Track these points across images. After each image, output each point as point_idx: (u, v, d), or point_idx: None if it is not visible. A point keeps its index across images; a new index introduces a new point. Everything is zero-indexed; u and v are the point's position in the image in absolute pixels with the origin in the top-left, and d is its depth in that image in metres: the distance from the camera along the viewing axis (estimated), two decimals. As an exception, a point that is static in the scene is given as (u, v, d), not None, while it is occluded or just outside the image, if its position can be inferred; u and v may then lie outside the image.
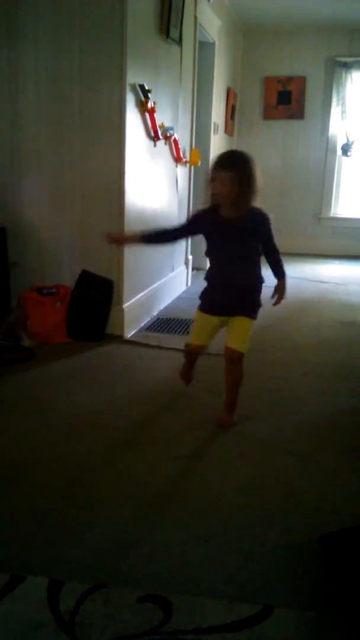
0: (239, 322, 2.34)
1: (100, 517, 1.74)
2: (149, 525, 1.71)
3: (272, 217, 2.27)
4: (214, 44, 5.31)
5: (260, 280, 2.34)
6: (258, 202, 2.23)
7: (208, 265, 2.48)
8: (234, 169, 2.16)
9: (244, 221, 2.23)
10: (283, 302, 2.39)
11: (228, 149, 6.38)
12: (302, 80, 6.75)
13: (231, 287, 2.34)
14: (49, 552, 1.58)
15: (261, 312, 2.41)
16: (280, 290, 2.36)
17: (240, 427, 2.39)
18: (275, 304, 2.37)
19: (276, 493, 1.90)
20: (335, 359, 3.27)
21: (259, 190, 2.20)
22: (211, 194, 2.23)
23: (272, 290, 2.36)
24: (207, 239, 2.37)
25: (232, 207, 2.21)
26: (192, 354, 2.55)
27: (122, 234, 2.59)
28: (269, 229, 2.28)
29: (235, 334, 2.35)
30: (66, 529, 1.68)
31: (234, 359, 2.35)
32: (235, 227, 2.25)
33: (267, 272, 2.36)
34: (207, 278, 2.44)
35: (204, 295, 2.45)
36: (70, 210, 3.38)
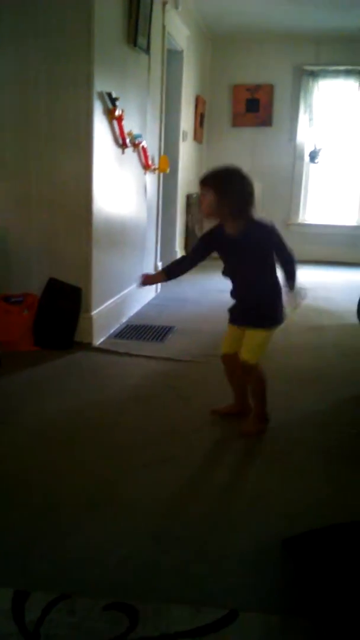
0: (248, 334, 2.35)
1: (66, 526, 1.73)
2: (115, 533, 1.70)
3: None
4: (182, 52, 5.35)
5: (273, 291, 2.32)
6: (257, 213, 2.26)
7: None
8: (212, 185, 2.20)
9: (243, 235, 2.24)
10: (300, 307, 2.39)
11: (197, 156, 6.45)
12: (270, 88, 6.84)
13: (241, 300, 2.40)
14: (14, 562, 1.56)
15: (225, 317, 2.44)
16: (290, 298, 2.35)
17: (208, 432, 2.40)
18: (292, 308, 2.38)
19: (243, 496, 1.92)
20: (304, 364, 3.31)
21: (248, 203, 2.22)
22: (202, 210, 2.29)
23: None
24: (219, 257, 2.40)
25: (228, 222, 2.24)
26: (225, 363, 2.52)
27: (150, 276, 2.59)
28: (276, 239, 2.28)
29: (245, 344, 2.36)
30: (31, 539, 1.67)
31: (244, 369, 2.38)
32: (235, 242, 2.26)
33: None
34: (231, 294, 2.47)
35: (231, 307, 2.48)
36: (37, 218, 3.37)
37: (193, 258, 2.47)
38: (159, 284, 4.97)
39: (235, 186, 2.20)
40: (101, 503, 1.87)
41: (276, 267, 2.33)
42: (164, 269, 2.55)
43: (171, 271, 2.50)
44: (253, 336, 2.34)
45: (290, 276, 2.34)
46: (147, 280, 2.57)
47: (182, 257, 2.59)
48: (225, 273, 2.41)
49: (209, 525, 1.76)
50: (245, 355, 2.34)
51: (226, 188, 2.18)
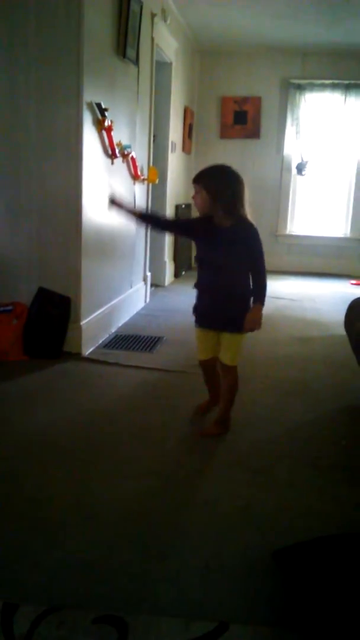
0: (227, 338, 2.40)
1: (56, 538, 1.72)
2: (104, 545, 1.69)
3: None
4: (171, 64, 5.39)
5: (248, 292, 2.35)
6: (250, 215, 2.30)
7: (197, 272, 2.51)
8: (204, 183, 2.27)
9: (232, 230, 2.29)
10: (255, 330, 2.35)
11: (186, 167, 6.48)
12: (257, 100, 6.90)
13: (213, 297, 2.39)
14: (3, 574, 1.55)
15: None
16: (251, 315, 2.32)
17: (198, 442, 2.40)
18: (245, 330, 2.35)
19: (232, 508, 1.91)
20: (291, 375, 3.32)
21: (239, 200, 2.27)
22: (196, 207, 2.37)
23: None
24: (197, 243, 2.44)
25: (220, 217, 2.29)
26: (203, 368, 2.57)
27: (123, 201, 2.56)
28: (253, 242, 2.30)
29: (226, 349, 2.42)
30: (21, 551, 1.65)
31: (225, 370, 2.46)
32: (224, 234, 2.30)
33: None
34: (196, 285, 2.47)
35: (196, 307, 2.48)
36: (26, 228, 3.36)
37: (169, 225, 2.55)
38: (149, 289, 4.98)
39: (227, 184, 2.27)
40: (90, 514, 1.86)
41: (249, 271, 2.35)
42: (141, 211, 2.53)
43: (146, 214, 2.52)
44: (233, 340, 2.40)
45: (260, 289, 2.34)
46: (119, 203, 2.52)
47: (160, 217, 2.63)
48: (202, 262, 2.42)
49: (198, 537, 1.76)
50: (229, 360, 2.41)
51: (218, 186, 2.26)
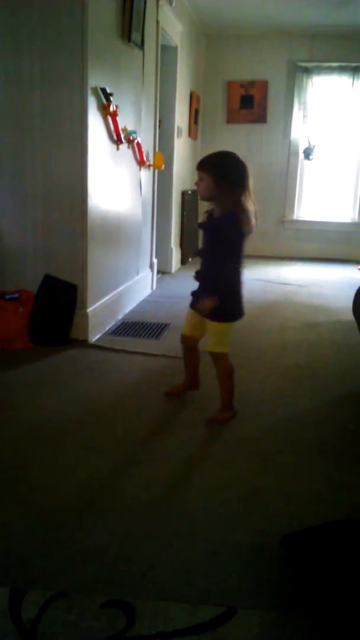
0: (209, 325, 2.44)
1: (63, 524, 1.73)
2: (112, 531, 1.70)
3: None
4: (176, 48, 5.33)
5: (217, 281, 2.35)
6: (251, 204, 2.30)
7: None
8: (209, 170, 2.27)
9: (219, 221, 2.31)
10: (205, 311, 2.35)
11: (192, 152, 6.44)
12: (264, 84, 6.83)
13: (203, 285, 2.43)
14: (11, 561, 1.56)
15: None
16: (200, 303, 2.36)
17: (205, 429, 2.40)
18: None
19: (239, 494, 1.91)
20: (299, 361, 3.31)
21: (239, 192, 2.26)
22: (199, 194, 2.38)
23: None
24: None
25: (215, 206, 2.33)
26: (182, 342, 2.63)
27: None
28: (220, 230, 2.31)
29: (209, 336, 2.47)
30: (28, 537, 1.66)
31: (212, 358, 2.48)
32: (209, 226, 2.35)
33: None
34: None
35: (194, 290, 2.54)
36: (32, 215, 3.35)
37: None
38: (155, 276, 4.97)
39: (232, 171, 2.28)
40: (97, 500, 1.86)
41: (238, 263, 2.37)
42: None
43: None
44: (212, 328, 2.44)
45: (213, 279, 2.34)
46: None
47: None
48: (199, 251, 2.50)
49: (206, 523, 1.76)
50: (210, 346, 2.45)
51: (224, 173, 2.26)
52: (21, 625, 1.32)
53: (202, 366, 2.70)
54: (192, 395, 2.73)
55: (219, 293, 2.31)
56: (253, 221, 2.31)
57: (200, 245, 2.51)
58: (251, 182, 2.30)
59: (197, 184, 2.35)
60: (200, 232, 2.51)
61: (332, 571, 1.48)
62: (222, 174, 2.26)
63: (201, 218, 2.48)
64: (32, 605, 1.37)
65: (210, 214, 2.39)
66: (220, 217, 2.31)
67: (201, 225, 2.42)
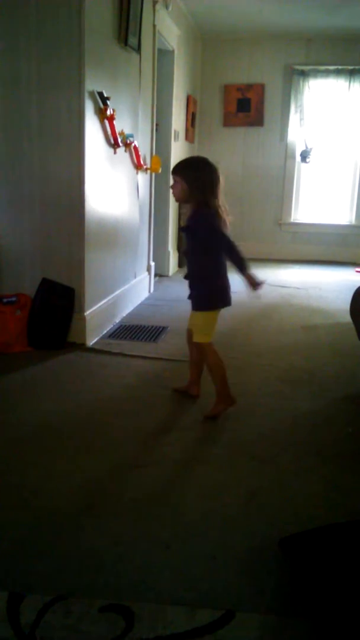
0: (192, 316, 2.62)
1: (61, 528, 1.73)
2: (111, 534, 1.70)
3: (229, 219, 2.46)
4: (173, 51, 5.34)
5: (199, 276, 2.52)
6: (224, 204, 2.45)
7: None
8: (182, 174, 2.44)
9: (188, 221, 2.51)
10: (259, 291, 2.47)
11: (189, 155, 6.44)
12: (261, 87, 6.84)
13: (188, 279, 2.58)
14: (9, 565, 1.55)
15: (222, 316, 2.49)
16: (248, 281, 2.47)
17: (203, 431, 2.40)
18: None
19: (238, 497, 1.91)
20: (297, 363, 3.31)
21: (213, 192, 2.40)
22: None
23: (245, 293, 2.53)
24: None
25: (191, 207, 2.49)
26: (188, 338, 2.73)
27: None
28: (205, 228, 2.43)
29: (193, 327, 2.61)
30: (26, 540, 1.66)
31: (199, 350, 2.62)
32: (184, 226, 2.57)
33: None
34: None
35: None
36: (29, 218, 3.35)
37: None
38: (153, 278, 4.97)
39: (203, 175, 2.42)
40: (96, 503, 1.86)
41: (211, 255, 2.47)
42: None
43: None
44: (193, 318, 2.60)
45: (237, 261, 2.45)
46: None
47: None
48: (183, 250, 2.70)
49: (204, 525, 1.76)
50: (195, 337, 2.58)
51: (196, 176, 2.42)
52: (19, 629, 1.31)
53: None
54: (190, 398, 2.73)
55: (206, 288, 2.52)
56: (225, 218, 2.44)
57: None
58: (221, 186, 2.44)
59: (172, 187, 2.49)
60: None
61: (331, 574, 1.48)
62: (193, 178, 2.41)
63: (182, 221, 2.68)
64: (31, 610, 1.37)
65: (187, 216, 2.55)
66: (191, 217, 2.48)
67: (182, 229, 2.62)
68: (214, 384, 2.56)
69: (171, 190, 2.51)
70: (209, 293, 2.53)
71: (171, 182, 2.47)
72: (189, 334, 2.68)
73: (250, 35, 6.63)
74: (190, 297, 2.58)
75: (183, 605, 1.41)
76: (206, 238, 2.44)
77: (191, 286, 2.56)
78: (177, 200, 2.54)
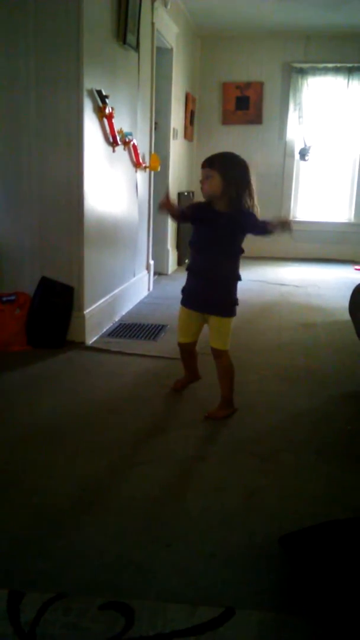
0: (215, 322, 2.46)
1: (61, 526, 1.73)
2: (111, 532, 1.70)
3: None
4: (171, 49, 5.34)
5: (233, 277, 2.44)
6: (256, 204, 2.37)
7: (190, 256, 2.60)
8: (218, 168, 2.32)
9: (233, 216, 2.34)
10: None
11: (188, 154, 6.44)
12: (259, 85, 6.84)
13: (208, 279, 2.44)
14: (9, 563, 1.56)
15: None
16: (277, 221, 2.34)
17: (203, 430, 2.40)
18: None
19: (238, 495, 1.92)
20: (296, 361, 3.31)
21: (248, 190, 2.33)
22: (203, 191, 2.40)
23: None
24: (196, 228, 2.49)
25: (223, 202, 2.35)
26: (182, 349, 2.66)
27: (174, 203, 2.56)
28: (255, 220, 2.35)
29: (214, 333, 2.48)
30: (26, 538, 1.66)
31: (215, 354, 2.50)
32: (223, 220, 2.36)
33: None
34: (188, 268, 2.55)
35: (184, 289, 2.56)
36: (28, 217, 3.35)
37: (185, 214, 2.55)
38: (152, 277, 4.97)
39: (241, 171, 2.34)
40: (95, 501, 1.86)
41: (238, 255, 2.43)
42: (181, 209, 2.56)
43: (182, 214, 2.54)
44: (220, 324, 2.46)
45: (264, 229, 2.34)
46: (170, 205, 2.47)
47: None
48: (196, 245, 2.47)
49: (204, 523, 1.76)
50: (217, 344, 2.47)
51: (234, 172, 2.32)
52: (19, 627, 1.32)
53: (200, 366, 2.71)
54: (189, 394, 2.74)
55: (234, 282, 2.43)
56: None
57: (192, 238, 2.52)
58: (254, 180, 2.36)
59: (202, 181, 2.37)
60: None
61: (331, 571, 1.48)
62: (231, 174, 2.31)
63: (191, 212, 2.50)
64: (31, 607, 1.37)
65: (210, 208, 2.39)
66: (242, 212, 2.34)
67: (215, 219, 2.37)
68: (222, 388, 2.53)
69: (201, 185, 2.37)
70: (236, 295, 2.47)
71: (198, 176, 2.36)
72: (191, 345, 2.62)
73: (248, 33, 6.62)
74: (204, 300, 2.47)
75: (183, 603, 1.41)
76: (257, 223, 2.34)
77: (215, 290, 2.44)
78: (207, 195, 2.37)
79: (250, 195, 2.34)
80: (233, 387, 2.53)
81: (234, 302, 2.46)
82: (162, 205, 2.43)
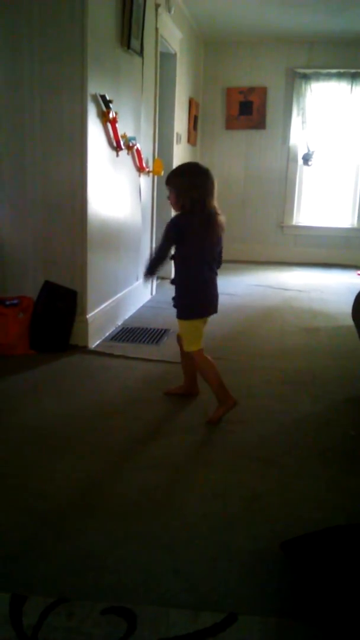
0: (178, 324, 2.59)
1: (63, 530, 1.73)
2: (113, 537, 1.70)
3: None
4: (175, 55, 5.35)
5: (178, 283, 2.55)
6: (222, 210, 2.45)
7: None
8: (171, 181, 2.48)
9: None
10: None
11: (191, 158, 6.45)
12: (263, 90, 6.85)
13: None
14: (11, 566, 1.56)
15: (225, 319, 2.49)
16: None
17: (205, 434, 2.40)
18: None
19: (240, 499, 1.91)
20: (299, 366, 3.31)
21: (191, 198, 2.39)
22: None
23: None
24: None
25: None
26: (178, 343, 2.74)
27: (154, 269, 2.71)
28: (173, 232, 2.47)
29: (181, 335, 2.61)
30: (29, 542, 1.66)
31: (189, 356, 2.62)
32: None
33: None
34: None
35: (200, 298, 2.65)
36: (32, 221, 3.36)
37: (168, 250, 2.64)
38: (155, 281, 4.98)
39: (182, 182, 2.43)
40: (97, 505, 1.86)
41: (188, 260, 2.51)
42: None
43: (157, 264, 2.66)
44: (180, 326, 2.58)
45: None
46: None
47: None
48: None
49: (206, 528, 1.76)
50: (185, 345, 2.57)
51: (183, 184, 2.42)
52: (22, 631, 1.32)
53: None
54: (192, 399, 2.74)
55: (180, 289, 2.55)
56: (220, 219, 2.43)
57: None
58: (214, 188, 2.43)
59: (168, 197, 2.51)
60: None
61: (333, 577, 1.48)
62: (183, 187, 2.41)
63: None
64: (33, 612, 1.37)
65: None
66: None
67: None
68: (211, 388, 2.54)
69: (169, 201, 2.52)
70: (191, 300, 2.54)
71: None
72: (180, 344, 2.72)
73: (252, 38, 6.64)
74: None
75: (185, 608, 1.41)
76: (173, 239, 2.48)
77: (175, 293, 2.60)
78: (174, 209, 2.52)
79: (205, 200, 2.39)
80: (220, 384, 2.50)
81: (184, 306, 2.53)
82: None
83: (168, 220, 2.55)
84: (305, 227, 7.18)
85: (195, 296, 2.52)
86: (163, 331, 3.85)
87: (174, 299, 2.58)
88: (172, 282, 2.59)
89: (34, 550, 1.62)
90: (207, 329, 2.59)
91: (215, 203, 2.44)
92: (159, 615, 1.38)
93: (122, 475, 2.06)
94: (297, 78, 6.75)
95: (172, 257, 2.56)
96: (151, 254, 2.55)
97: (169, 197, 2.49)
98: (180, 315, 2.55)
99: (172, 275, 2.66)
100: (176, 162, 5.66)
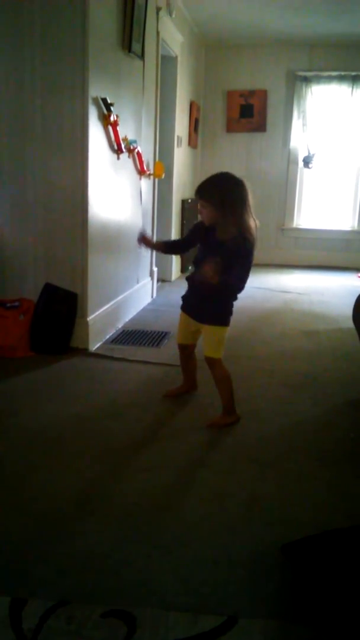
0: (207, 331, 2.51)
1: (63, 532, 1.73)
2: (113, 539, 1.70)
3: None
4: (176, 58, 5.36)
5: (226, 291, 2.43)
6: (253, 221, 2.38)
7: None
8: (206, 197, 2.33)
9: (230, 244, 2.33)
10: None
11: (192, 161, 6.46)
12: (263, 93, 6.86)
13: (204, 292, 2.46)
14: (11, 569, 1.55)
15: None
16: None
17: (205, 436, 2.40)
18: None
19: (240, 502, 1.91)
20: (299, 368, 3.31)
21: (243, 212, 2.31)
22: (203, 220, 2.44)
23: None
24: (199, 247, 2.56)
25: (219, 228, 2.36)
26: (180, 350, 2.73)
27: (150, 240, 2.74)
28: (238, 256, 2.33)
29: (206, 342, 2.53)
30: (28, 545, 1.66)
31: (208, 363, 2.54)
32: (221, 247, 2.35)
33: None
34: (188, 279, 2.62)
35: (185, 296, 2.66)
36: (32, 223, 3.36)
37: (186, 246, 2.70)
38: (155, 284, 4.98)
39: (229, 196, 2.31)
40: (97, 508, 1.86)
41: (246, 274, 2.43)
42: (164, 242, 2.74)
43: (169, 246, 2.78)
44: (212, 332, 2.50)
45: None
46: (147, 241, 2.68)
47: (176, 242, 2.87)
48: (195, 263, 2.54)
49: (206, 530, 1.76)
50: (209, 352, 2.50)
51: (222, 199, 2.30)
52: (22, 634, 1.31)
53: (199, 371, 2.72)
54: (191, 401, 2.74)
55: (227, 295, 2.45)
56: (254, 236, 2.37)
57: (196, 257, 2.58)
58: (250, 199, 2.35)
59: (200, 211, 2.40)
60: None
61: (333, 579, 1.47)
62: (222, 202, 2.30)
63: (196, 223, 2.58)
64: (33, 615, 1.37)
65: (212, 233, 2.41)
66: (232, 240, 2.33)
67: (215, 244, 2.38)
68: (222, 397, 2.54)
69: (199, 214, 2.41)
70: (231, 307, 2.51)
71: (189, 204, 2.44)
72: (190, 347, 2.71)
73: (253, 41, 6.65)
74: (198, 309, 2.54)
75: (185, 611, 1.41)
76: (248, 258, 2.37)
77: (208, 302, 2.48)
78: (206, 224, 2.41)
79: (248, 215, 2.34)
80: (232, 396, 2.52)
81: (227, 312, 2.49)
82: (140, 242, 2.61)
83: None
84: (305, 230, 7.18)
85: (233, 303, 2.51)
86: (163, 334, 3.85)
87: (201, 303, 2.49)
88: (191, 280, 2.53)
89: (34, 553, 1.62)
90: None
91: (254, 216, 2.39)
92: (158, 619, 1.38)
93: (122, 477, 2.06)
94: (297, 81, 6.77)
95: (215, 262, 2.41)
96: (228, 279, 2.31)
97: (200, 212, 2.39)
98: (222, 322, 2.48)
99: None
100: (177, 164, 5.68)
